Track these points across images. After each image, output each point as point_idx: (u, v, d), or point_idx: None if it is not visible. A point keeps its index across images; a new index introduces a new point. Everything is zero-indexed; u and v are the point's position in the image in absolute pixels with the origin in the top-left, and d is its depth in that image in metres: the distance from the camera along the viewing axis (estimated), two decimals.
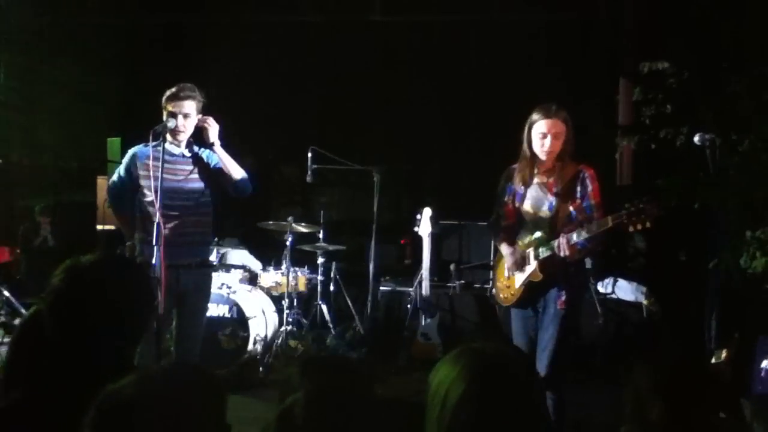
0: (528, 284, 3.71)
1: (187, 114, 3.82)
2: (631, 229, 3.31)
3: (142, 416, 1.37)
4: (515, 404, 1.41)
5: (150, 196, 3.86)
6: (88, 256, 1.82)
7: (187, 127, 3.84)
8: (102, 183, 8.71)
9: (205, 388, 1.48)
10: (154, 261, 3.51)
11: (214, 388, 1.49)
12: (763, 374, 2.81)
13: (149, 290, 1.94)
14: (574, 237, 3.46)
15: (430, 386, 1.47)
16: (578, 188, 3.63)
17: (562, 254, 3.49)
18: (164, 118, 3.81)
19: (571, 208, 3.63)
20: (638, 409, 1.89)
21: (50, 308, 1.77)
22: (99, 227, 8.44)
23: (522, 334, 3.78)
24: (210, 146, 3.88)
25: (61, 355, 1.73)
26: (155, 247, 3.52)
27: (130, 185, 3.93)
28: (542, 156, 3.65)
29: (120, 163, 4.06)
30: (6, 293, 6.24)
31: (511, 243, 3.81)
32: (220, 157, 3.88)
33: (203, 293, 3.97)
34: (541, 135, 3.63)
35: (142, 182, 3.88)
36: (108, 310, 1.76)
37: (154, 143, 3.73)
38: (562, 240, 3.48)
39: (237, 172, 3.92)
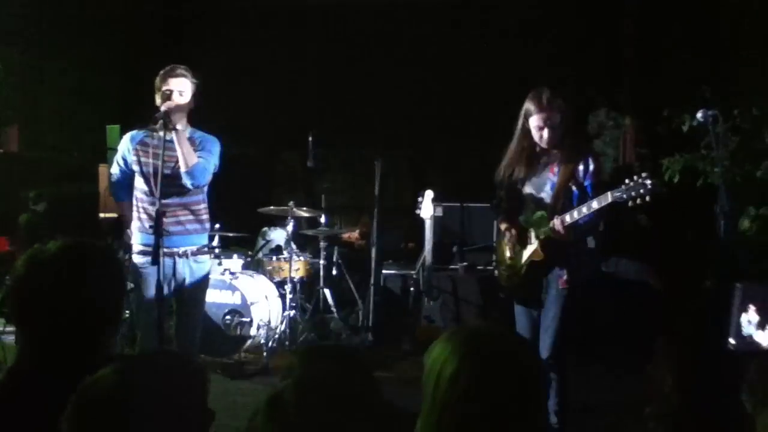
0: (530, 264, 3.70)
1: (181, 91, 3.77)
2: (630, 204, 3.31)
3: (122, 406, 1.35)
4: (509, 381, 1.41)
5: (142, 183, 3.83)
6: (52, 243, 1.78)
7: (181, 104, 3.76)
8: (103, 171, 8.69)
9: (186, 375, 1.46)
10: (151, 249, 3.48)
11: (194, 374, 1.47)
12: (743, 330, 2.74)
13: (117, 278, 1.87)
14: (567, 218, 3.46)
15: (425, 365, 1.48)
16: (580, 168, 3.62)
17: (556, 235, 3.48)
18: (157, 100, 3.77)
19: (573, 188, 3.62)
20: (658, 390, 1.89)
21: (11, 297, 1.74)
22: (102, 215, 8.42)
23: (525, 327, 3.77)
24: (174, 129, 3.70)
25: (28, 348, 1.70)
26: (153, 236, 3.49)
27: (128, 171, 3.91)
28: (542, 145, 3.66)
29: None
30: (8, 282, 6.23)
31: (514, 223, 3.80)
32: (175, 141, 3.71)
33: (201, 281, 3.94)
34: (538, 128, 3.63)
35: (135, 168, 3.85)
36: (70, 299, 1.71)
37: (149, 129, 3.69)
38: (556, 221, 3.49)
39: (190, 160, 3.75)
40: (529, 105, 3.65)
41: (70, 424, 1.36)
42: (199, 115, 3.96)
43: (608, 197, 3.36)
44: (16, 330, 1.85)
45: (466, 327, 1.52)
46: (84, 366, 1.45)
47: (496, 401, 1.40)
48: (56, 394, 1.50)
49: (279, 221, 6.99)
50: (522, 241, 3.74)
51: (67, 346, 1.70)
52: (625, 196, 3.31)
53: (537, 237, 3.65)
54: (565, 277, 3.62)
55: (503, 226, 3.86)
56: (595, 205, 3.41)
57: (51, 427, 1.41)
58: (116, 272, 1.88)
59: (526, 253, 3.72)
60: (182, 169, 3.73)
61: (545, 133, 3.61)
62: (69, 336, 1.71)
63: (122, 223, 4.16)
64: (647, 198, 3.26)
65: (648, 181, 3.26)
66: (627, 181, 3.31)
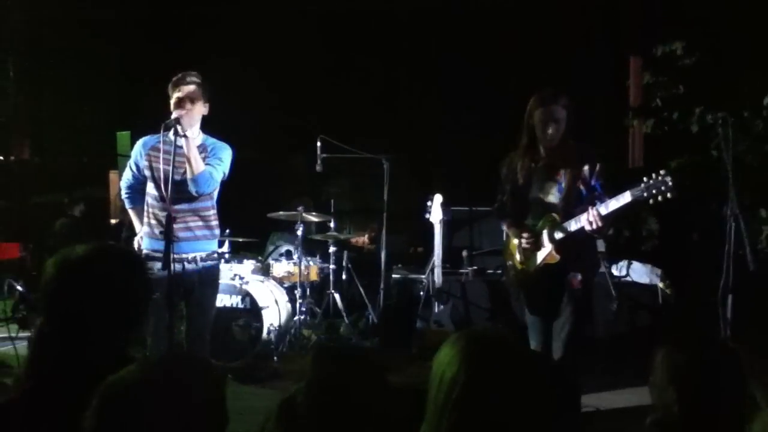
0: (544, 266, 3.69)
1: (193, 98, 3.78)
2: (651, 201, 3.28)
3: (144, 405, 1.38)
4: (510, 385, 1.40)
5: (153, 189, 3.85)
6: (81, 247, 1.81)
7: (193, 111, 3.78)
8: (113, 177, 8.75)
9: (206, 378, 1.48)
10: (162, 254, 3.49)
11: (214, 377, 1.49)
12: None
13: (144, 281, 1.91)
14: (603, 210, 3.43)
15: (431, 368, 1.48)
16: (586, 168, 3.62)
17: (593, 227, 3.43)
18: (171, 106, 3.78)
19: (581, 187, 3.62)
20: (659, 398, 1.88)
21: (42, 301, 1.77)
22: (113, 221, 8.47)
23: (536, 331, 3.76)
24: (184, 136, 3.70)
25: (57, 348, 1.73)
26: (162, 241, 3.49)
27: (140, 177, 3.93)
28: (545, 143, 3.65)
29: (129, 156, 4.06)
30: (20, 288, 6.27)
31: (521, 227, 3.79)
32: (185, 148, 3.70)
33: (210, 286, 3.95)
34: (542, 122, 3.63)
35: (146, 173, 3.87)
36: (100, 301, 1.75)
37: (161, 135, 3.71)
38: (593, 212, 3.42)
39: (196, 168, 3.75)
40: (534, 102, 3.67)
41: (93, 420, 1.38)
42: (205, 119, 3.97)
43: (628, 196, 3.35)
44: (35, 332, 1.86)
45: (471, 331, 1.51)
46: (109, 366, 1.48)
47: (495, 406, 1.39)
48: (80, 393, 1.51)
49: (288, 226, 7.01)
50: (534, 245, 3.73)
51: (93, 346, 1.73)
52: (645, 194, 3.28)
53: (551, 240, 3.64)
54: (579, 278, 3.62)
55: (514, 231, 3.84)
56: (614, 203, 3.39)
57: (72, 425, 1.43)
58: (143, 276, 1.92)
59: (540, 257, 3.71)
60: (188, 176, 3.74)
61: (550, 128, 3.61)
62: (95, 336, 1.74)
63: (122, 229, 4.18)
64: (668, 195, 3.24)
65: (668, 178, 3.24)
66: (645, 179, 3.29)
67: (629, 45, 7.53)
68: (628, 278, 6.06)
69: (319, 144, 5.94)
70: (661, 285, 5.89)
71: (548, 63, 7.54)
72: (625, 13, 7.55)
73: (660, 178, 3.25)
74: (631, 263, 6.11)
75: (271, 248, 7.14)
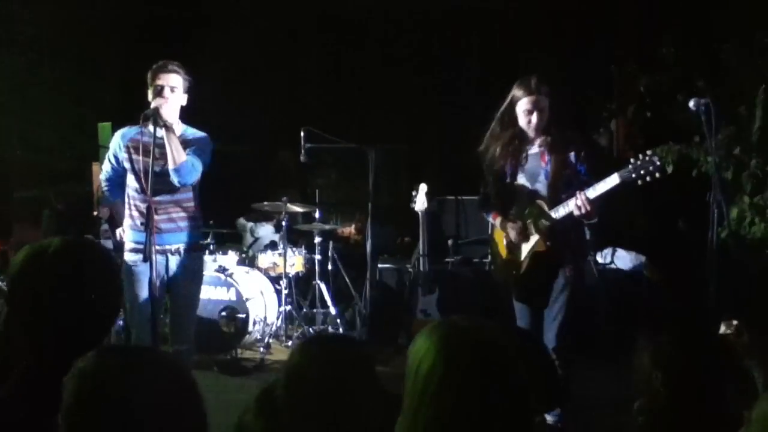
0: (533, 255, 3.68)
1: (173, 87, 3.72)
2: (639, 182, 3.28)
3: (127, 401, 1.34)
4: (486, 378, 1.38)
5: (133, 181, 3.80)
6: (55, 240, 1.77)
7: (173, 100, 3.73)
8: (96, 169, 8.67)
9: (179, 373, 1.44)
10: (143, 246, 3.45)
11: (191, 382, 1.45)
12: None
13: (113, 277, 1.87)
14: (591, 193, 3.42)
15: (408, 358, 1.46)
16: (571, 153, 3.61)
17: (582, 212, 3.41)
18: (149, 95, 3.74)
19: (567, 172, 3.61)
20: (644, 383, 1.88)
21: (8, 296, 1.74)
22: (96, 213, 8.40)
23: (526, 323, 3.75)
24: (164, 126, 3.64)
25: (23, 342, 1.70)
26: (145, 233, 3.46)
27: (120, 169, 3.88)
28: (530, 132, 3.65)
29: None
30: (2, 283, 6.20)
31: (508, 217, 3.78)
32: (165, 138, 3.64)
33: (194, 277, 3.92)
34: (527, 112, 3.61)
35: (126, 165, 3.82)
36: (68, 297, 1.71)
37: (140, 127, 3.67)
38: (581, 197, 3.41)
39: (178, 158, 3.68)
40: (516, 91, 3.65)
41: (68, 413, 1.34)
42: (192, 112, 3.93)
43: (615, 177, 3.35)
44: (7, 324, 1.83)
45: (449, 321, 1.48)
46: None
47: (474, 400, 1.36)
48: (49, 389, 1.49)
49: (266, 216, 6.99)
50: (522, 233, 3.71)
51: (63, 342, 1.70)
52: (633, 175, 3.29)
53: (537, 228, 3.63)
54: (570, 265, 3.61)
55: (501, 221, 3.83)
56: (602, 186, 3.38)
57: (45, 423, 1.40)
58: (114, 271, 1.89)
59: (528, 246, 3.70)
60: (170, 167, 3.69)
61: (534, 117, 3.60)
62: (65, 332, 1.71)
63: (100, 221, 4.14)
64: (657, 175, 3.24)
65: (655, 158, 3.25)
66: (633, 160, 3.29)
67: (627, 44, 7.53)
68: (612, 265, 6.08)
69: (303, 134, 5.89)
70: (645, 272, 5.92)
71: (534, 51, 7.52)
72: (624, 14, 7.55)
73: (647, 158, 3.26)
74: (616, 250, 6.13)
75: (251, 239, 7.10)
